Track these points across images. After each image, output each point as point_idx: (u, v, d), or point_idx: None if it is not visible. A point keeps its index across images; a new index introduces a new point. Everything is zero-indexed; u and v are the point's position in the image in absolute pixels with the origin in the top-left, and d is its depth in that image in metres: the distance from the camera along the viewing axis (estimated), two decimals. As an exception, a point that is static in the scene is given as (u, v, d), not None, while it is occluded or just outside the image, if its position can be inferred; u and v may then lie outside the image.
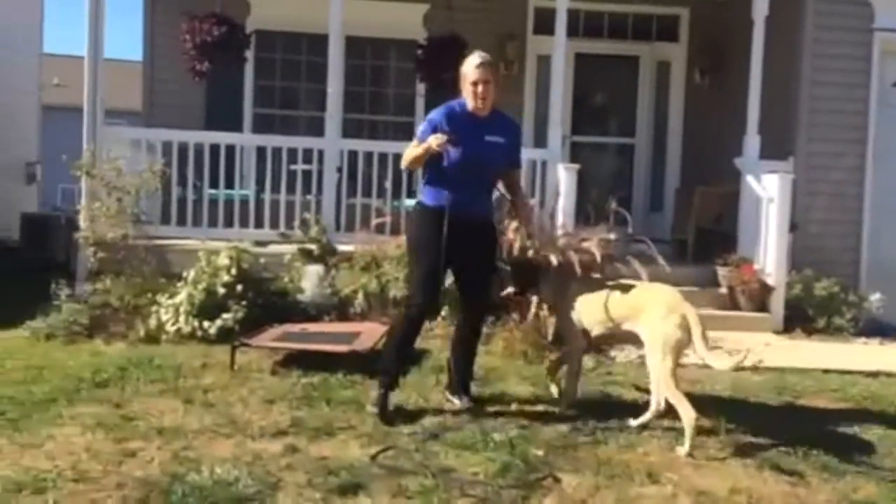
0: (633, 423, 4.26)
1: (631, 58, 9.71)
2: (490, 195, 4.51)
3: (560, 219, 6.87)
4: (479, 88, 4.20)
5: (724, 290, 7.21)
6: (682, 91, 9.65)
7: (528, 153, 7.90)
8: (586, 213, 6.94)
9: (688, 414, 3.96)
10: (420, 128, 4.37)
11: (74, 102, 19.61)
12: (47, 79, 17.69)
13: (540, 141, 8.84)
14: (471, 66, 4.24)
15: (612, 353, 5.86)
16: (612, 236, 6.53)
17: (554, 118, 7.53)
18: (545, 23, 8.46)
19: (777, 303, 7.02)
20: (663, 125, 9.71)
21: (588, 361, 5.66)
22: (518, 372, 5.36)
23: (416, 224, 4.43)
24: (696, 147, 9.50)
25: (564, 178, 7.06)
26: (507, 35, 9.28)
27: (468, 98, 4.30)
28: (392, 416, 4.25)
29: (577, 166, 7.16)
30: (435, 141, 4.15)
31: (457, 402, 4.51)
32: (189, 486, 3.32)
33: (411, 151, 4.33)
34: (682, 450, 3.93)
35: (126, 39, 28.94)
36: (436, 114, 4.35)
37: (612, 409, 4.57)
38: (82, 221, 6.88)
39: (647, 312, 4.16)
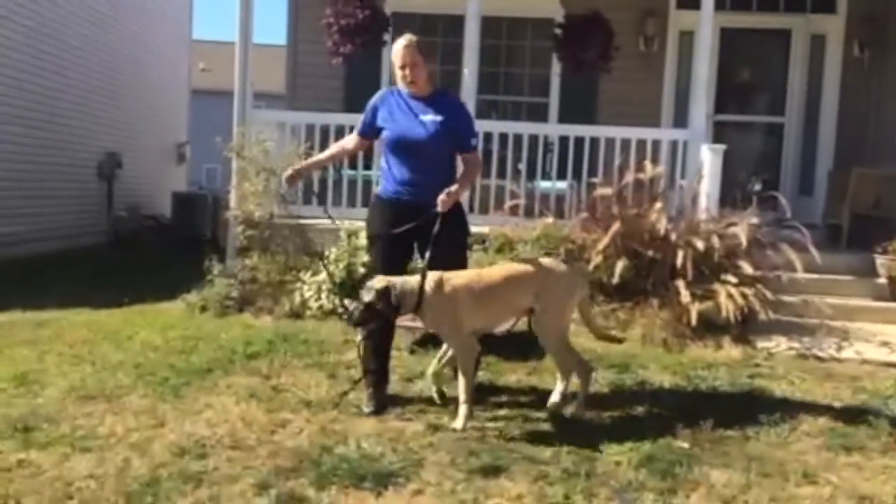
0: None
1: (782, 31, 9.13)
2: (443, 179, 4.16)
3: (703, 203, 6.57)
4: (407, 71, 4.19)
5: (882, 279, 6.71)
6: (839, 66, 8.99)
7: (668, 133, 7.68)
8: (732, 197, 6.61)
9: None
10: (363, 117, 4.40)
11: (218, 86, 20.60)
12: (193, 64, 18.66)
13: (680, 121, 8.52)
14: (396, 50, 4.22)
15: (761, 344, 5.59)
16: (758, 221, 6.23)
17: (697, 97, 7.19)
18: (689, -4, 8.09)
19: (944, 295, 6.47)
20: (816, 103, 9.08)
21: (735, 353, 5.45)
22: (658, 360, 5.21)
23: (369, 217, 4.43)
24: (852, 126, 8.86)
25: (709, 159, 6.73)
26: (647, 10, 8.95)
27: (399, 82, 4.29)
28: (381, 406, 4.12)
29: (722, 147, 6.80)
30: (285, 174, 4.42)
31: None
32: (338, 459, 3.45)
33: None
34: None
35: (266, 24, 30.07)
36: (373, 98, 4.38)
37: (761, 404, 4.36)
38: (232, 201, 7.21)
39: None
